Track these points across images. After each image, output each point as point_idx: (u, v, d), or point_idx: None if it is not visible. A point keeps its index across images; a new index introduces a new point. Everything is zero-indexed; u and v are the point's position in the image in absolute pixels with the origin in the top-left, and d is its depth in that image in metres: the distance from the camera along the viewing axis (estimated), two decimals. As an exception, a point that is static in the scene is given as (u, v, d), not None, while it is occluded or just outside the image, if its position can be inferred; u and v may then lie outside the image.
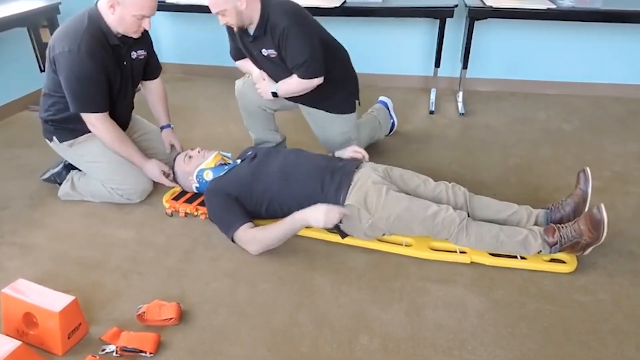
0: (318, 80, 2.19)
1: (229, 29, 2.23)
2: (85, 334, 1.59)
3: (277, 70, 2.24)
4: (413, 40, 3.54)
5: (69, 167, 2.37)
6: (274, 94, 2.28)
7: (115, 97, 2.14)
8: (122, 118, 2.27)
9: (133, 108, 2.40)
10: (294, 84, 2.22)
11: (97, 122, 2.07)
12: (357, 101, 2.46)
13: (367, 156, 2.13)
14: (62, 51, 1.94)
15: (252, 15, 2.08)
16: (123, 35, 2.04)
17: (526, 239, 1.77)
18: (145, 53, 2.22)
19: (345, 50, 2.39)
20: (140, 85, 2.38)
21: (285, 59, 2.15)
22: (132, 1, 1.91)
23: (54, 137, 2.23)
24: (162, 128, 2.43)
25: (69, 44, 1.93)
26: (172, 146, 2.42)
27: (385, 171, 1.99)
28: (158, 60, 2.39)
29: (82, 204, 2.29)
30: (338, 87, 2.31)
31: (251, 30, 2.15)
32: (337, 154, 2.19)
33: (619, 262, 1.84)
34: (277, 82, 2.29)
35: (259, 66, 2.31)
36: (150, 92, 2.41)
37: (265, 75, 2.31)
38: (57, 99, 2.11)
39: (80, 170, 2.34)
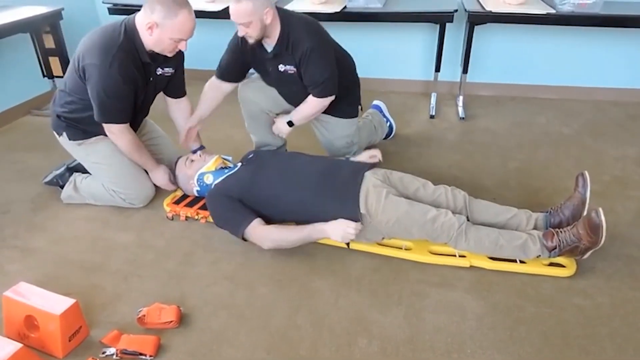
0: (330, 99, 2.25)
1: (241, 45, 2.20)
2: (85, 337, 1.60)
3: (289, 85, 2.29)
4: (413, 45, 3.56)
5: (72, 170, 2.39)
6: (290, 124, 2.34)
7: (137, 109, 2.17)
8: (135, 123, 2.29)
9: (147, 114, 2.41)
10: (309, 107, 2.27)
11: (117, 131, 2.09)
12: (359, 107, 2.52)
13: (380, 156, 2.23)
14: (93, 63, 1.94)
15: (273, 30, 2.10)
16: (156, 53, 2.04)
17: (525, 244, 1.78)
18: (172, 71, 2.21)
19: (351, 58, 2.44)
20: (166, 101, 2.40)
21: (304, 76, 2.19)
22: (172, 26, 1.90)
23: (64, 133, 2.23)
24: (196, 150, 2.38)
25: (102, 57, 1.93)
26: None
27: (385, 175, 2.00)
28: (184, 82, 2.37)
29: (83, 208, 2.30)
30: (343, 93, 2.35)
31: (268, 47, 2.17)
32: (353, 159, 2.25)
33: (618, 266, 1.85)
34: (287, 95, 2.34)
35: (271, 78, 2.33)
36: (179, 111, 2.39)
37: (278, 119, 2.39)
38: (75, 99, 2.12)
39: (83, 173, 2.36)
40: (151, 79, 2.13)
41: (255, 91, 2.41)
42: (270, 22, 2.05)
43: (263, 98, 2.41)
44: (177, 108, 2.39)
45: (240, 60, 2.29)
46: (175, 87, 2.33)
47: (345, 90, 2.34)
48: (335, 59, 2.22)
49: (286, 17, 2.12)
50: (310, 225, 1.88)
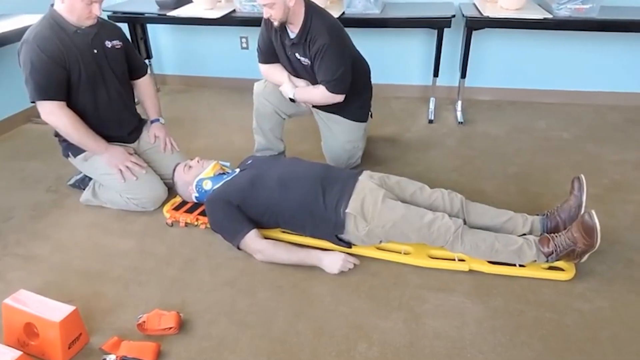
0: (340, 97, 2.29)
1: (267, 27, 2.30)
2: (85, 344, 1.60)
3: (305, 74, 2.34)
4: (412, 50, 3.57)
5: None
6: (292, 100, 2.37)
7: (92, 86, 2.16)
8: (118, 114, 2.29)
9: (136, 113, 2.43)
10: (317, 95, 2.31)
11: (55, 110, 2.08)
12: (370, 113, 2.58)
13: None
14: (19, 46, 2.05)
15: (296, 17, 2.16)
16: (88, 27, 2.10)
17: (521, 248, 1.78)
18: (120, 44, 2.26)
19: (367, 64, 2.51)
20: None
21: (317, 71, 2.24)
22: None
23: (69, 153, 2.29)
24: (151, 122, 2.47)
25: (24, 37, 2.05)
26: (156, 138, 2.44)
27: (382, 179, 2.01)
28: (141, 59, 2.48)
29: (84, 215, 2.31)
30: (355, 96, 2.41)
31: (291, 34, 2.23)
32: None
33: (618, 269, 1.85)
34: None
35: (290, 64, 2.37)
36: (138, 89, 2.46)
37: (286, 77, 2.38)
38: None
39: None
40: (96, 51, 2.15)
41: (271, 90, 2.45)
42: (294, 6, 2.10)
43: (278, 97, 2.44)
44: (138, 86, 2.45)
45: (270, 40, 2.35)
46: (136, 67, 2.40)
47: (356, 93, 2.40)
48: (353, 61, 2.29)
49: (312, 11, 2.18)
50: (306, 250, 1.91)
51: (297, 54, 2.28)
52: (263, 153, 2.58)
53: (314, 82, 2.34)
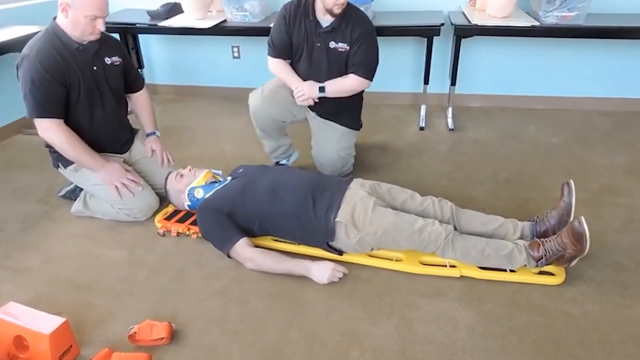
0: (369, 84, 2.38)
1: (285, 21, 2.31)
2: (76, 356, 1.59)
3: (330, 63, 2.35)
4: (402, 58, 3.61)
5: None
6: (322, 89, 2.36)
7: (89, 103, 2.16)
8: (112, 130, 2.29)
9: (129, 125, 2.43)
10: (348, 82, 2.35)
11: (52, 127, 2.08)
12: (360, 122, 2.63)
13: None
14: (19, 60, 2.04)
15: None
16: (89, 42, 2.10)
17: (511, 253, 1.79)
18: (120, 60, 2.26)
19: None
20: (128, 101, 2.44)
21: (356, 54, 2.28)
22: (82, 2, 1.97)
23: (59, 164, 2.28)
24: (147, 136, 2.47)
25: (24, 51, 2.03)
26: (153, 151, 2.44)
27: (373, 187, 2.02)
28: (139, 73, 2.49)
29: (75, 226, 2.30)
30: (353, 103, 2.47)
31: (324, 22, 2.27)
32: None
33: (607, 273, 1.86)
34: (322, 76, 2.37)
35: (309, 56, 2.37)
36: (135, 103, 2.47)
37: (298, 78, 2.40)
38: None
39: None
40: (95, 67, 2.15)
41: (267, 103, 2.47)
42: None
43: (274, 108, 2.47)
44: (134, 100, 2.46)
45: (287, 35, 2.36)
46: (133, 81, 2.40)
47: (355, 100, 2.46)
48: None
49: None
50: (295, 260, 1.91)
51: (331, 42, 2.29)
52: (275, 153, 2.66)
53: (335, 69, 2.35)
